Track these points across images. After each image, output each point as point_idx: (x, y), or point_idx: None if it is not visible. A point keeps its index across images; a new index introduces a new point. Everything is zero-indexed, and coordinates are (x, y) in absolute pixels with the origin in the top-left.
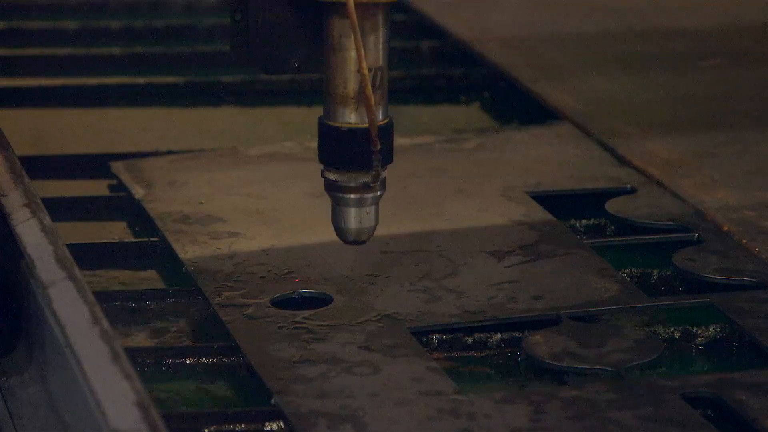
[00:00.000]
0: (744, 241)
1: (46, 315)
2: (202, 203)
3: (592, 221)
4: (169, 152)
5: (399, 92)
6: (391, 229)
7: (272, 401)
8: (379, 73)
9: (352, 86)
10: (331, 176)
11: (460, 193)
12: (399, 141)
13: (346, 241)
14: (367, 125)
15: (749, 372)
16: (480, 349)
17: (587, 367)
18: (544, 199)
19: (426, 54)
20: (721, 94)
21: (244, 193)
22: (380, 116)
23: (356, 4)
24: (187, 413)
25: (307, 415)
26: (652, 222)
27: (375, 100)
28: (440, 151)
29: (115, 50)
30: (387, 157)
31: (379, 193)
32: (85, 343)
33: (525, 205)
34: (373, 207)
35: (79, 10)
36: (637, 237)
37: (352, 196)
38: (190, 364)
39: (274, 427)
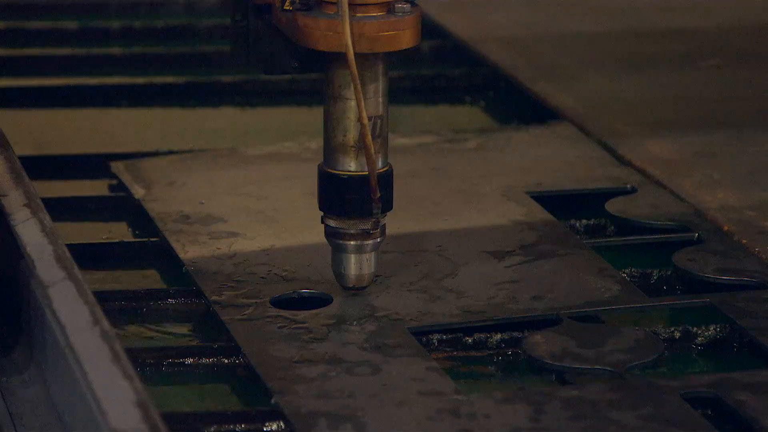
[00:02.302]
0: (744, 241)
1: (46, 315)
2: (202, 203)
3: (592, 221)
4: (169, 152)
5: (399, 92)
6: (391, 229)
7: (272, 401)
8: (379, 121)
9: (352, 135)
10: (332, 223)
11: (460, 193)
12: (399, 141)
13: (345, 287)
14: (366, 173)
15: (749, 372)
16: (480, 349)
17: (587, 367)
18: (544, 199)
19: (426, 54)
20: (720, 94)
21: (244, 193)
22: (380, 164)
23: (356, 55)
24: (187, 413)
25: (307, 415)
26: (652, 222)
27: (375, 149)
28: (440, 151)
29: (115, 50)
30: (387, 205)
31: (378, 239)
32: (85, 343)
33: (525, 205)
34: (373, 254)
35: (79, 10)
36: (637, 237)
37: (351, 243)
38: (190, 364)
39: (274, 427)
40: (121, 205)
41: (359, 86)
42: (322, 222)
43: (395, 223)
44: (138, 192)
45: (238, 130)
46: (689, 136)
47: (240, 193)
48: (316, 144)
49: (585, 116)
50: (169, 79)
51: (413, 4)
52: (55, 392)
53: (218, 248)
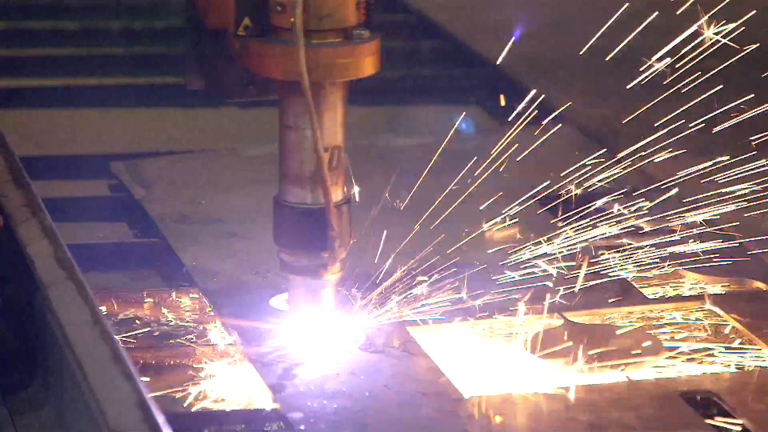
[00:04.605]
0: (744, 241)
1: (46, 315)
2: (202, 203)
3: (591, 221)
4: (169, 152)
5: (399, 92)
6: (392, 229)
7: (273, 401)
8: (337, 152)
9: (308, 166)
10: (287, 258)
11: (460, 193)
12: (399, 141)
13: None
14: (323, 206)
15: (749, 372)
16: (480, 348)
17: (586, 367)
18: (545, 199)
19: (426, 54)
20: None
21: (244, 193)
22: (338, 196)
23: (312, 83)
24: (187, 413)
25: (308, 415)
26: (653, 222)
27: (332, 181)
28: (440, 151)
29: (115, 50)
30: (345, 238)
31: (337, 274)
32: (85, 343)
33: (523, 205)
34: (331, 289)
35: (79, 10)
36: (637, 237)
37: (309, 278)
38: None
39: (274, 427)
40: (121, 205)
41: (314, 116)
42: (278, 256)
43: (395, 223)
44: (138, 192)
45: (238, 130)
46: (689, 135)
47: (240, 193)
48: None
49: (585, 116)
50: (169, 79)
51: (373, 31)
52: (55, 392)
53: (218, 248)
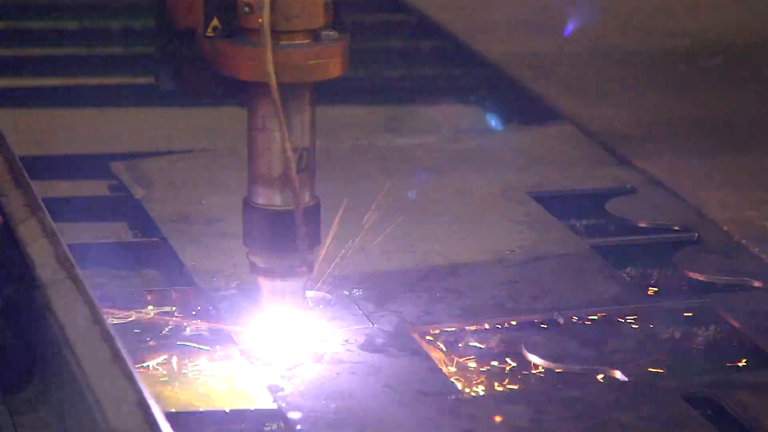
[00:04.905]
0: (744, 241)
1: (46, 315)
2: (202, 203)
3: (592, 221)
4: (169, 152)
5: (399, 92)
6: (392, 229)
7: (272, 401)
8: (305, 154)
9: (276, 167)
10: (256, 260)
11: (460, 193)
12: (399, 141)
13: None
14: (292, 207)
15: (749, 372)
16: (480, 349)
17: (587, 367)
18: (544, 199)
19: (426, 54)
20: (721, 94)
21: (244, 193)
22: (306, 198)
23: (280, 85)
24: (187, 413)
25: (308, 415)
26: (653, 222)
27: (301, 182)
28: (440, 151)
29: (115, 50)
30: (314, 240)
31: (306, 277)
32: (85, 343)
33: (525, 205)
34: (300, 291)
35: (79, 10)
36: (637, 237)
37: (278, 281)
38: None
39: (274, 426)
40: (121, 205)
41: (282, 117)
42: (248, 257)
43: (395, 223)
44: (138, 192)
45: (238, 130)
46: (690, 136)
47: (240, 193)
48: (317, 144)
49: (585, 116)
50: None
51: (342, 32)
52: (55, 392)
53: (218, 248)
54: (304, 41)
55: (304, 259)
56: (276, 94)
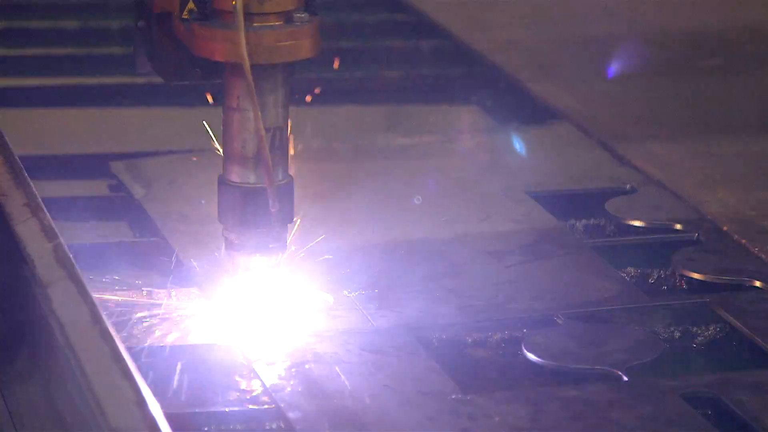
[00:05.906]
0: (744, 241)
1: (46, 315)
2: (202, 203)
3: (592, 221)
4: (169, 152)
5: (399, 92)
6: (392, 229)
7: (272, 401)
8: (278, 133)
9: (250, 146)
10: (231, 236)
11: (460, 193)
12: (399, 141)
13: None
14: (264, 185)
15: (749, 372)
16: (480, 349)
17: (587, 367)
18: (544, 199)
19: (426, 54)
20: (720, 94)
21: None
22: (279, 176)
23: (253, 66)
24: (187, 413)
25: (308, 415)
26: (652, 222)
27: (274, 161)
28: (440, 151)
29: (115, 50)
30: (287, 217)
31: (280, 253)
32: (85, 343)
33: (525, 205)
34: (274, 268)
35: (79, 10)
36: (637, 237)
37: (252, 256)
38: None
39: (274, 426)
40: (121, 205)
41: (255, 97)
42: (222, 235)
43: (395, 223)
44: (138, 192)
45: None
46: (689, 135)
47: None
48: (317, 144)
49: (585, 116)
50: None
51: (313, 14)
52: (56, 392)
53: (218, 248)
54: (277, 23)
55: (278, 235)
56: (249, 75)
